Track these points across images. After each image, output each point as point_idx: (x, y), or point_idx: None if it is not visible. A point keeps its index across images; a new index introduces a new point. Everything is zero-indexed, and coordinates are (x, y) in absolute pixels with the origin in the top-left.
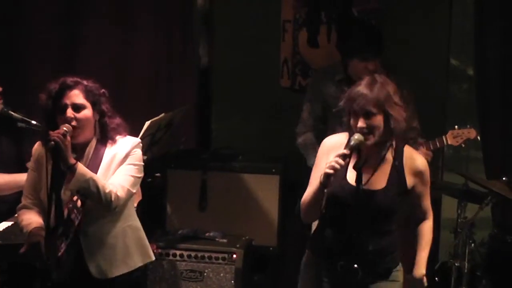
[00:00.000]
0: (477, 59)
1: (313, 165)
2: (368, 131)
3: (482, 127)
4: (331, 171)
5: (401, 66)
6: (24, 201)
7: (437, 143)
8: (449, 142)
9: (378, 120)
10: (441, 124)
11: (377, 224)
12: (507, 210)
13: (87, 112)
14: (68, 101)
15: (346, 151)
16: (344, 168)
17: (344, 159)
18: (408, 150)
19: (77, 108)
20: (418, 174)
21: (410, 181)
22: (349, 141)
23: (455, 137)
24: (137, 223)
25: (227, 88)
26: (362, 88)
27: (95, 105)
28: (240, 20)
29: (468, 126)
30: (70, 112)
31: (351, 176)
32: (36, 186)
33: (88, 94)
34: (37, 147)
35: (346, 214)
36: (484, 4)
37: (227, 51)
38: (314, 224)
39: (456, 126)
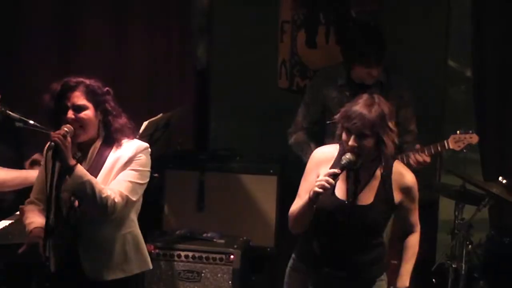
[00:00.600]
0: (475, 60)
1: None
2: (358, 151)
3: (480, 129)
4: (321, 190)
5: (399, 67)
6: (32, 196)
7: (438, 148)
8: (450, 147)
9: (370, 142)
10: (438, 125)
11: (364, 239)
12: (504, 211)
13: (89, 113)
14: (69, 103)
15: (337, 171)
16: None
17: (334, 178)
18: (397, 165)
19: (78, 109)
20: (406, 190)
21: (397, 197)
22: (340, 160)
23: (457, 141)
24: (137, 231)
25: (225, 88)
26: (360, 108)
27: (97, 105)
28: (238, 21)
29: (470, 131)
30: (70, 114)
31: (339, 191)
32: (43, 183)
33: (89, 94)
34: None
35: (334, 228)
36: (483, 6)
37: (225, 51)
38: None
39: (458, 131)
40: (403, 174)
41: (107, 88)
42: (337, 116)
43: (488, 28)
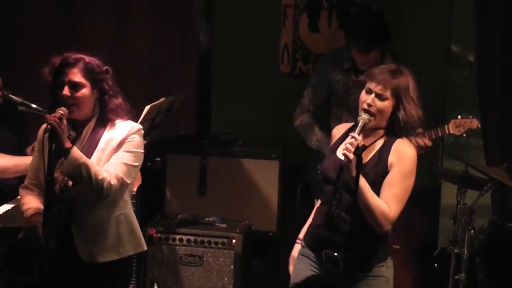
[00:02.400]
0: (478, 45)
1: (313, 146)
2: (373, 111)
3: (483, 114)
4: (345, 152)
5: (401, 52)
6: (26, 181)
7: (439, 132)
8: (451, 131)
9: (386, 105)
10: (441, 110)
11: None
12: (507, 196)
13: (85, 91)
14: (66, 79)
15: (356, 135)
16: (338, 142)
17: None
18: (401, 140)
19: (74, 86)
20: (400, 155)
21: (391, 158)
22: (355, 123)
23: (457, 126)
24: (131, 212)
25: (227, 73)
26: (385, 70)
27: (95, 83)
28: (240, 5)
29: (471, 116)
30: (66, 90)
31: (341, 150)
32: (38, 168)
33: (87, 72)
34: (42, 127)
35: (334, 193)
36: None
37: (227, 36)
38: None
39: (459, 116)
40: (405, 144)
41: (106, 67)
42: (362, 76)
43: (491, 12)
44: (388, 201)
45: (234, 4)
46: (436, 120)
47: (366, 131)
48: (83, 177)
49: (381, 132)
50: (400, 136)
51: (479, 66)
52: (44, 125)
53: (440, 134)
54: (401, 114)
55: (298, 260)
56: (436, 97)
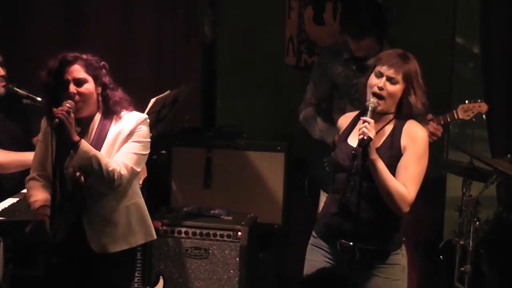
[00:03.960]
0: (483, 37)
1: (317, 137)
2: (383, 95)
3: (488, 106)
4: (361, 136)
5: (406, 43)
6: (32, 172)
7: (448, 118)
8: (460, 116)
9: (398, 89)
10: (446, 102)
11: (373, 189)
12: None
13: (89, 86)
14: (69, 77)
15: (368, 119)
16: (348, 131)
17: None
18: (410, 122)
19: (79, 82)
20: (412, 136)
21: (403, 141)
22: (365, 108)
23: (466, 111)
24: (141, 201)
25: (232, 66)
26: (394, 55)
27: (96, 78)
28: None
29: (479, 100)
30: (72, 87)
31: (352, 138)
32: (44, 159)
33: (88, 68)
34: (44, 120)
35: (346, 180)
36: None
37: (232, 28)
38: (321, 206)
39: (466, 101)
40: (415, 126)
41: (103, 62)
42: (371, 59)
43: (496, 3)
44: (405, 183)
45: None
46: (441, 112)
47: (375, 116)
48: (95, 169)
49: (390, 116)
50: (408, 119)
51: (484, 58)
52: (45, 117)
53: (449, 120)
54: (412, 98)
55: (310, 251)
56: (440, 89)
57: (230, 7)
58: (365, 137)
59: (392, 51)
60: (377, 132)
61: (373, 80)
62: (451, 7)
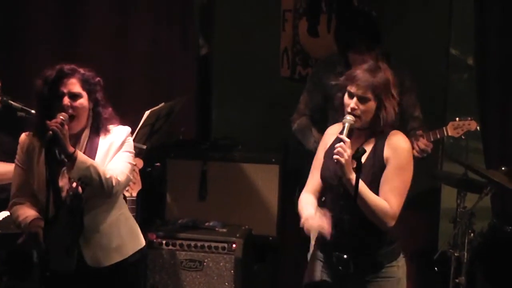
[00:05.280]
0: (477, 48)
1: (312, 148)
2: (358, 114)
3: (482, 117)
4: (337, 157)
5: (401, 55)
6: (14, 199)
7: (437, 134)
8: (449, 134)
9: (371, 106)
10: (441, 114)
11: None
12: (506, 200)
13: (83, 101)
14: (65, 89)
15: (344, 138)
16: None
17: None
18: (394, 133)
19: (74, 96)
20: (395, 148)
21: (386, 153)
22: (343, 126)
23: (456, 128)
24: (127, 211)
25: (227, 77)
26: (364, 71)
27: (90, 94)
28: (240, 9)
29: (469, 118)
30: (67, 100)
31: None
32: (26, 181)
33: (84, 83)
34: (24, 138)
35: (336, 197)
36: None
37: (227, 41)
38: None
39: (457, 118)
40: (398, 137)
41: (98, 79)
42: (341, 79)
43: (491, 15)
44: (387, 197)
45: (234, 8)
46: (436, 123)
47: (356, 132)
48: (94, 179)
49: (370, 130)
50: (391, 130)
51: (479, 69)
52: (26, 134)
53: (438, 136)
54: (382, 114)
55: (311, 261)
56: (435, 100)
57: (226, 20)
58: (341, 159)
59: (361, 66)
60: (358, 148)
61: (346, 100)
62: (446, 19)
